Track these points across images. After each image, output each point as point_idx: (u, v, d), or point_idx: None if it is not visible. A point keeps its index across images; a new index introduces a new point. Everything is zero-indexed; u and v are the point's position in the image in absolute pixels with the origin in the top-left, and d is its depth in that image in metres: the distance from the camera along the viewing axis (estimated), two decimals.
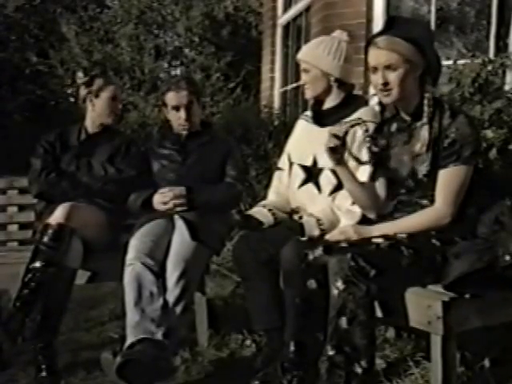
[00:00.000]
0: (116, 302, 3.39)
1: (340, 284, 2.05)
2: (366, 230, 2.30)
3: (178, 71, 17.64)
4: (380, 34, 2.33)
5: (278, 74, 6.02)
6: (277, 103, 5.92)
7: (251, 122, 5.03)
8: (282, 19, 6.05)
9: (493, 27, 4.13)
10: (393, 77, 2.24)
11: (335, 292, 2.06)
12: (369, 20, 4.41)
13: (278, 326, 2.56)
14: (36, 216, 3.19)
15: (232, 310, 3.39)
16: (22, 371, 2.80)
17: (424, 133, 2.28)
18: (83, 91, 3.12)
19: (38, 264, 2.66)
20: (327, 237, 2.26)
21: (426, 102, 2.28)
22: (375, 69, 2.27)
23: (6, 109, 16.15)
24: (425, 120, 2.28)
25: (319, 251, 2.19)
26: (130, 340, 2.47)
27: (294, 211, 2.78)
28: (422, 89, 2.32)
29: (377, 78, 2.27)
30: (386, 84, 2.25)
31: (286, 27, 6.01)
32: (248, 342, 3.00)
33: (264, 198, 4.11)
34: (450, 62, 3.48)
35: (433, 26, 4.49)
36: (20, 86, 15.93)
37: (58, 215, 2.74)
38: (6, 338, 2.64)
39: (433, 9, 4.53)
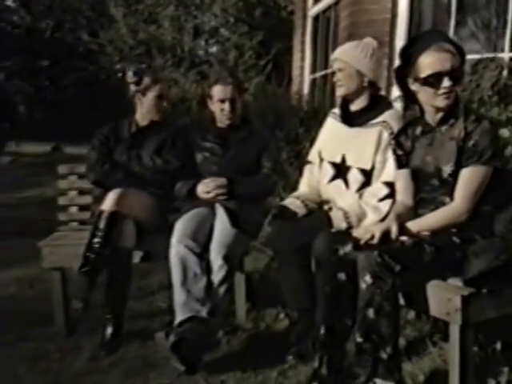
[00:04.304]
0: (164, 273, 3.40)
1: (368, 278, 2.03)
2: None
3: (214, 49, 17.56)
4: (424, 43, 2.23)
5: (307, 62, 5.88)
6: (306, 90, 5.80)
7: (283, 108, 4.94)
8: (312, 11, 5.90)
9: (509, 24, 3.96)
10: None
11: (363, 285, 2.05)
12: (393, 15, 4.26)
13: (309, 307, 2.55)
14: (93, 199, 3.25)
15: (267, 284, 3.38)
16: (86, 338, 2.88)
17: (450, 137, 2.21)
18: (132, 89, 3.08)
19: (95, 246, 2.68)
20: (355, 234, 2.21)
21: (459, 110, 2.21)
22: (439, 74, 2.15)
23: (62, 84, 16.29)
24: (452, 124, 2.21)
25: (349, 247, 2.17)
26: (179, 318, 2.49)
27: (324, 202, 2.74)
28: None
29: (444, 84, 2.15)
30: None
31: (316, 19, 5.86)
32: (282, 316, 3.00)
33: (295, 179, 4.11)
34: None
35: (453, 19, 4.34)
36: (73, 63, 16.06)
37: (109, 202, 2.75)
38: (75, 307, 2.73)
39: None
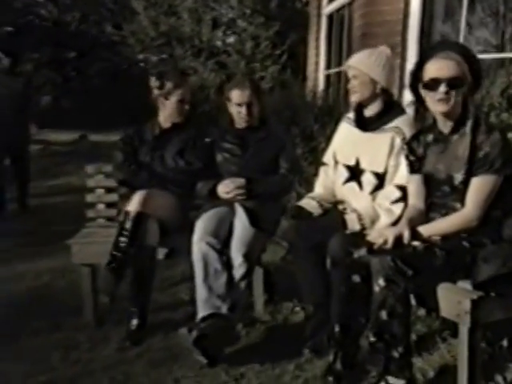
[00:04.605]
0: (186, 265, 3.41)
1: (381, 282, 2.03)
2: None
3: (232, 39, 17.46)
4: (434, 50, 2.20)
5: (322, 58, 5.82)
6: (321, 86, 5.75)
7: (298, 104, 4.90)
8: (327, 9, 5.81)
9: None
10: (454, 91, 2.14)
11: (377, 288, 2.05)
12: (405, 16, 4.19)
13: (324, 302, 2.55)
14: (119, 197, 3.27)
15: (283, 277, 3.37)
16: (114, 329, 2.91)
17: (461, 146, 2.18)
18: (155, 93, 3.07)
19: (122, 245, 2.71)
20: (369, 238, 2.20)
21: (470, 119, 2.18)
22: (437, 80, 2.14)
23: (88, 74, 16.34)
24: (463, 134, 2.18)
25: (363, 251, 2.16)
26: (200, 314, 2.52)
27: (339, 202, 2.73)
28: (464, 104, 2.20)
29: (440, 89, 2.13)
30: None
31: (330, 17, 5.78)
32: (297, 309, 3.01)
33: (310, 174, 4.10)
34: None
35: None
36: (98, 54, 16.09)
37: (135, 203, 2.77)
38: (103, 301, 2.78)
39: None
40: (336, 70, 5.53)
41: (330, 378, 2.27)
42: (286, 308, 3.05)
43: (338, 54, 5.50)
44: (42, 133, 11.80)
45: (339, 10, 5.51)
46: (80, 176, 8.25)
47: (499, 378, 2.26)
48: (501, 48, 4.50)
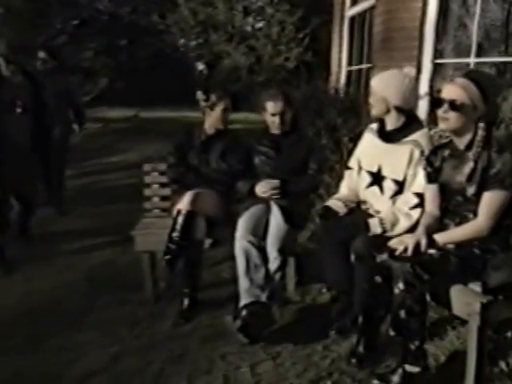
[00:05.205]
0: (226, 246, 3.36)
1: (401, 285, 2.01)
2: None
3: (261, 24, 17.13)
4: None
5: (344, 55, 5.61)
6: (343, 81, 5.56)
7: (323, 98, 4.76)
8: (349, 12, 5.57)
9: None
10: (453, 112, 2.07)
11: (397, 291, 2.02)
12: (422, 23, 3.98)
13: (347, 290, 2.53)
14: (172, 192, 3.27)
15: (311, 260, 3.34)
16: (169, 305, 2.93)
17: (473, 164, 2.09)
18: (202, 104, 3.03)
19: (175, 238, 2.71)
20: (390, 243, 2.14)
21: (477, 139, 2.07)
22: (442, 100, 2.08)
23: (138, 58, 16.32)
24: (475, 153, 2.08)
25: (385, 256, 2.11)
26: (243, 302, 2.53)
27: (362, 202, 2.67)
28: (476, 127, 2.09)
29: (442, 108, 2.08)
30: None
31: (352, 19, 5.54)
32: (324, 290, 2.99)
33: (333, 162, 4.02)
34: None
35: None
36: (146, 41, 16.03)
37: (186, 202, 2.77)
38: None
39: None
40: (357, 67, 5.33)
41: (353, 360, 2.28)
42: (314, 290, 3.04)
43: (359, 52, 5.29)
44: (101, 110, 11.87)
45: (361, 13, 5.26)
46: (134, 153, 8.29)
47: (502, 364, 2.23)
48: None
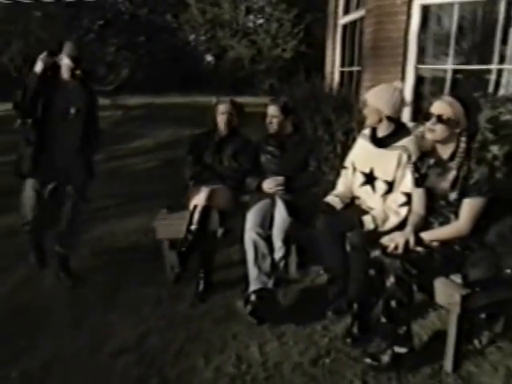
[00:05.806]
0: (235, 231, 3.25)
1: (392, 279, 1.99)
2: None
3: (261, 21, 16.89)
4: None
5: (337, 58, 5.43)
6: (336, 81, 5.39)
7: (319, 96, 4.61)
8: (342, 20, 5.37)
9: None
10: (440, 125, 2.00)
11: (388, 284, 2.00)
12: (406, 33, 3.84)
13: (343, 275, 2.48)
14: (189, 188, 3.15)
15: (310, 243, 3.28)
16: (187, 286, 2.84)
17: (455, 172, 2.01)
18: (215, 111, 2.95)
19: (192, 229, 2.66)
20: (382, 241, 2.09)
21: (459, 151, 1.99)
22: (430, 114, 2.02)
23: (154, 52, 16.10)
24: (458, 163, 2.00)
25: (378, 252, 2.06)
26: (252, 288, 2.50)
27: (356, 198, 2.60)
28: (458, 140, 2.01)
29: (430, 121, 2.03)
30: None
31: (345, 26, 5.33)
32: (321, 272, 2.94)
33: (327, 153, 3.91)
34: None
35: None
36: (161, 37, 15.79)
37: (202, 198, 2.72)
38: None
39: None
40: (349, 69, 5.15)
41: (349, 340, 2.26)
42: (312, 272, 2.99)
43: (350, 55, 5.11)
44: (123, 98, 11.63)
45: (352, 22, 5.05)
46: (151, 138, 8.12)
47: (476, 342, 2.21)
48: None
